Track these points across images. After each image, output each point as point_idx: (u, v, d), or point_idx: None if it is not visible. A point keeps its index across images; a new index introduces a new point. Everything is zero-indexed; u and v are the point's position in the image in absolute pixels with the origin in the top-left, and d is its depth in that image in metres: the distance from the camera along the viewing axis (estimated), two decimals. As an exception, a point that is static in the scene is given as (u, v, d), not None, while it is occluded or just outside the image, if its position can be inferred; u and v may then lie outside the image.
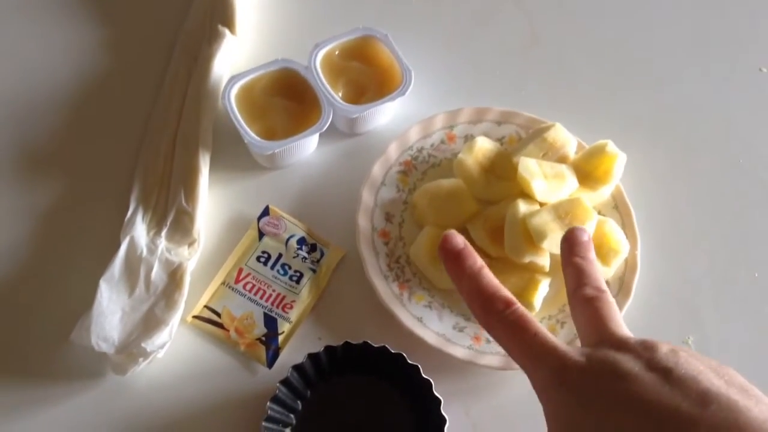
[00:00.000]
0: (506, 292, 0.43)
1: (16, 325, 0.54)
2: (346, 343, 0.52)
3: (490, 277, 0.44)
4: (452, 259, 0.46)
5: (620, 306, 0.56)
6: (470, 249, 0.46)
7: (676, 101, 0.68)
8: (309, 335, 0.56)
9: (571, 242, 0.46)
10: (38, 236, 0.57)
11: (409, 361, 0.51)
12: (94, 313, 0.50)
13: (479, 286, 0.44)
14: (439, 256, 0.47)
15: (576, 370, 0.36)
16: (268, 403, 0.49)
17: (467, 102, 0.63)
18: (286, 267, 0.57)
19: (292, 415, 0.51)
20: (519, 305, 0.42)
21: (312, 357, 0.51)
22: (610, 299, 0.43)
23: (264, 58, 0.60)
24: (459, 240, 0.46)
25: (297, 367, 0.51)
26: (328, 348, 0.51)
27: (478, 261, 0.45)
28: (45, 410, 0.52)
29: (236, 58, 0.64)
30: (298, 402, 0.52)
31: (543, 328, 0.41)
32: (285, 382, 0.50)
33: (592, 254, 0.46)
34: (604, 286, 0.44)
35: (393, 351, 0.51)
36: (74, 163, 0.60)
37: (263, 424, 0.49)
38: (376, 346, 0.51)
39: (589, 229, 0.54)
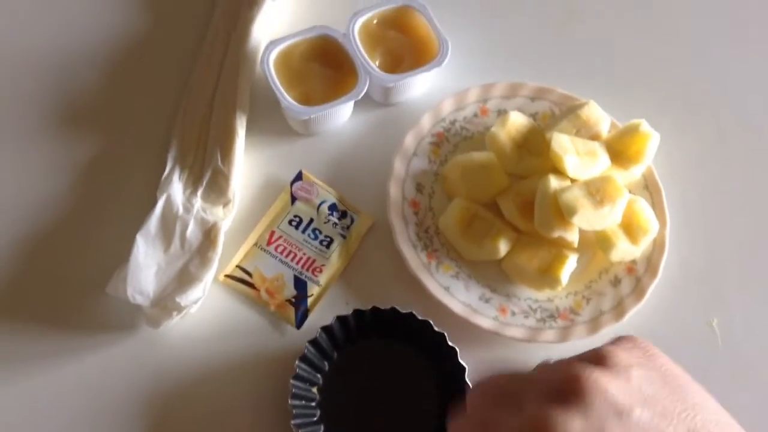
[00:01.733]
0: None
1: (53, 275, 0.56)
2: (375, 307, 0.53)
3: None
4: None
5: (647, 285, 0.57)
6: None
7: (712, 82, 0.67)
8: (337, 299, 0.57)
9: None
10: (77, 190, 0.58)
11: (436, 329, 0.52)
12: (131, 266, 0.51)
13: None
14: None
15: None
16: (297, 362, 0.51)
17: (502, 76, 0.63)
18: (317, 232, 0.58)
19: (318, 375, 0.52)
20: None
21: (340, 319, 0.52)
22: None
23: (303, 24, 0.60)
24: None
25: (326, 329, 0.52)
26: (356, 311, 0.52)
27: None
28: (78, 359, 0.53)
29: (275, 24, 0.64)
30: (325, 362, 0.53)
31: None
32: (313, 342, 0.52)
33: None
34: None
35: (420, 318, 0.52)
36: (113, 120, 0.61)
37: (291, 381, 0.50)
38: (403, 312, 0.52)
39: (619, 207, 0.55)
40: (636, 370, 0.33)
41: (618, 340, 0.36)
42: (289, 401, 0.50)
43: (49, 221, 0.57)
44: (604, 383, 0.31)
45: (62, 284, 0.55)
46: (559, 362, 0.34)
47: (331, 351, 0.53)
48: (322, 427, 0.51)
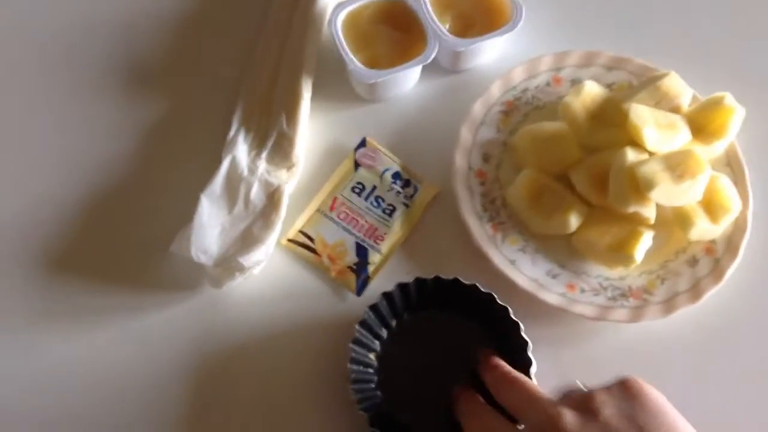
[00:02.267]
0: None
1: (119, 232, 0.56)
2: (437, 277, 0.51)
3: None
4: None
5: (726, 266, 0.54)
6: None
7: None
8: (398, 269, 0.56)
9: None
10: (143, 150, 0.59)
11: (499, 302, 0.50)
12: (195, 225, 0.51)
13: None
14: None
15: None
16: (356, 326, 0.50)
17: (577, 44, 0.61)
18: (380, 200, 0.57)
19: (377, 342, 0.51)
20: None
21: (401, 287, 0.51)
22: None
23: (372, -15, 0.59)
24: None
25: (386, 295, 0.51)
26: (418, 279, 0.51)
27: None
28: (141, 317, 0.54)
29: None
30: (384, 330, 0.52)
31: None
32: (373, 308, 0.51)
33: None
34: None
35: (483, 290, 0.50)
36: (181, 81, 0.61)
37: (350, 345, 0.49)
38: (467, 283, 0.51)
39: (701, 183, 0.52)
40: (608, 410, 0.40)
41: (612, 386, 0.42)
42: (348, 365, 0.49)
43: (115, 180, 0.58)
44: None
45: (128, 242, 0.56)
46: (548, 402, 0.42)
47: (390, 318, 0.52)
48: (378, 393, 0.50)
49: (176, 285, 0.54)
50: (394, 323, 0.52)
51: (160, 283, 0.54)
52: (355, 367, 0.49)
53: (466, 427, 0.46)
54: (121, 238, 0.56)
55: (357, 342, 0.50)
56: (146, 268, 0.55)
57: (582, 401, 0.41)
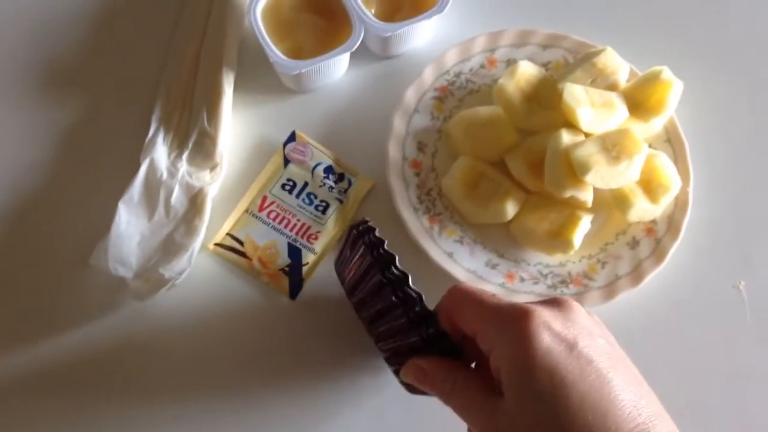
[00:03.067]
0: None
1: (36, 245, 0.53)
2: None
3: None
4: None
5: (668, 246, 0.53)
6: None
7: (741, 26, 0.62)
8: (333, 267, 0.54)
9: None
10: (58, 154, 0.55)
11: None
12: (112, 235, 0.49)
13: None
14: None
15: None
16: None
17: (510, 23, 0.59)
18: (312, 196, 0.54)
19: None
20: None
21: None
22: None
23: (291, -29, 0.56)
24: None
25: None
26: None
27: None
28: (64, 333, 0.51)
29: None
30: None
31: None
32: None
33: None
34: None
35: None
36: (96, 81, 0.58)
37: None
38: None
39: (637, 163, 0.50)
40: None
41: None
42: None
43: (29, 189, 0.54)
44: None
45: (45, 256, 0.53)
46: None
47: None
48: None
49: (100, 299, 0.51)
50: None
51: (82, 297, 0.51)
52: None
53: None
54: (39, 251, 0.53)
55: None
56: (67, 282, 0.52)
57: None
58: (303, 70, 0.53)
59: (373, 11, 0.56)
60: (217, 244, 0.53)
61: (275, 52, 0.53)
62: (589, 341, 0.36)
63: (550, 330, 0.35)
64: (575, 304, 0.38)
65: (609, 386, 0.34)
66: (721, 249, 0.55)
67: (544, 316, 0.36)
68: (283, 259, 0.53)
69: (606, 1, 0.62)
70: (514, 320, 0.36)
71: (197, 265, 0.51)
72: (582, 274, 0.53)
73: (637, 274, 0.52)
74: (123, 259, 0.48)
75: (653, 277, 0.52)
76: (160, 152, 0.52)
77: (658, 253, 0.53)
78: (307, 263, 0.53)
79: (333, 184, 0.55)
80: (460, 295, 0.40)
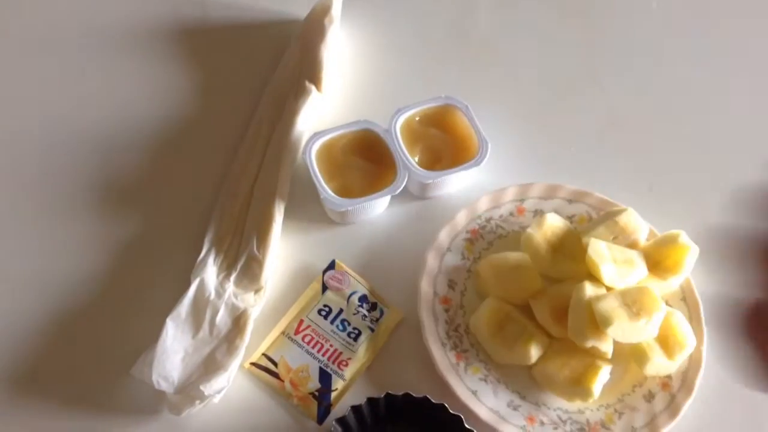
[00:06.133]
0: None
1: (81, 351, 0.56)
2: (407, 393, 0.51)
3: None
4: None
5: (681, 403, 0.55)
6: None
7: (750, 196, 0.67)
8: (361, 395, 0.55)
9: None
10: (112, 268, 0.59)
11: (451, 411, 0.51)
12: (158, 350, 0.51)
13: None
14: None
15: None
16: None
17: (540, 177, 0.64)
18: (346, 323, 0.58)
19: None
20: None
21: (371, 402, 0.52)
22: None
23: (346, 118, 0.62)
24: None
25: (355, 409, 0.51)
26: (388, 395, 0.51)
27: None
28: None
29: (320, 115, 0.66)
30: None
31: None
32: (341, 421, 0.51)
33: None
34: None
35: (435, 401, 0.51)
36: (154, 202, 0.62)
37: None
38: (435, 402, 0.51)
39: (656, 320, 0.53)
40: None
41: None
42: None
43: (82, 298, 0.58)
44: None
45: (88, 362, 0.55)
46: None
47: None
48: None
49: (136, 409, 0.53)
50: None
51: (120, 406, 0.54)
52: None
53: None
54: (84, 359, 0.56)
55: None
56: (107, 389, 0.54)
57: None
58: (349, 208, 0.58)
59: (416, 159, 0.61)
60: (252, 363, 0.55)
61: (326, 189, 0.58)
62: None
63: None
64: None
65: None
66: (733, 410, 0.57)
67: None
68: (314, 383, 0.55)
69: (628, 166, 0.67)
70: None
71: (232, 381, 0.53)
72: (599, 423, 0.55)
73: (652, 428, 0.54)
74: (166, 374, 0.51)
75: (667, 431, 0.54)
76: (210, 272, 0.56)
77: (673, 408, 0.55)
78: (336, 389, 0.55)
79: (366, 313, 0.58)
80: None
